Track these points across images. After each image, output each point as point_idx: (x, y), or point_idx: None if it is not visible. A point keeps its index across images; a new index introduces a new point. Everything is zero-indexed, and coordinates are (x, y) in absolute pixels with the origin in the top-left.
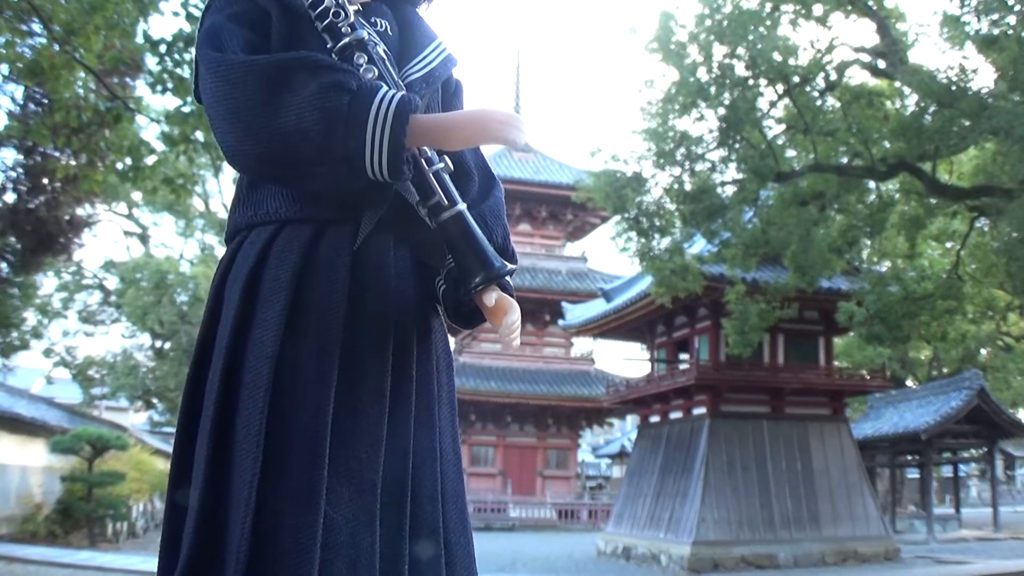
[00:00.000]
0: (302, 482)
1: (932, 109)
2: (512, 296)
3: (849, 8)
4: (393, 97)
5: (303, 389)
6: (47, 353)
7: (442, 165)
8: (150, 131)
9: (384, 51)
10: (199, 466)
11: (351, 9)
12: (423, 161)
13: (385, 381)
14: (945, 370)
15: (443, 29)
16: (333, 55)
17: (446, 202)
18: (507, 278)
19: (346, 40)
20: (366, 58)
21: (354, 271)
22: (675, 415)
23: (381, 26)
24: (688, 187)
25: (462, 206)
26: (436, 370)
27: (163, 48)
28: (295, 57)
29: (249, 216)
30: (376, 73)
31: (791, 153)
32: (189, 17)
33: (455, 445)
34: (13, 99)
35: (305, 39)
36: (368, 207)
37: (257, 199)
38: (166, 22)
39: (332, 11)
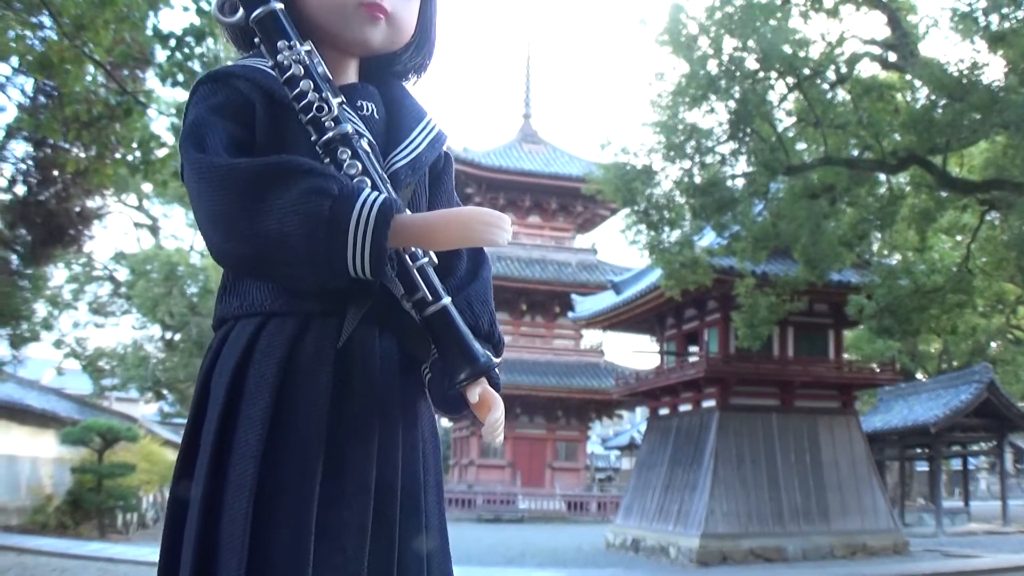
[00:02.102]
0: None
1: (943, 102)
2: (499, 387)
3: (860, 0)
4: (375, 201)
5: (287, 486)
6: (57, 344)
7: (426, 260)
8: (160, 123)
9: (369, 143)
10: (186, 562)
11: (335, 102)
12: (407, 257)
13: (370, 472)
14: (955, 363)
15: (454, 30)
16: (317, 148)
17: (430, 297)
18: (495, 365)
19: (329, 135)
20: (349, 153)
21: (339, 365)
22: (684, 407)
23: (367, 110)
24: (698, 180)
25: (446, 300)
26: (423, 456)
27: (173, 42)
28: (276, 162)
29: (235, 307)
30: (360, 168)
31: (801, 146)
32: (199, 11)
33: (442, 529)
34: (23, 92)
35: (290, 131)
36: (353, 301)
37: (243, 289)
38: (175, 16)
39: (316, 106)
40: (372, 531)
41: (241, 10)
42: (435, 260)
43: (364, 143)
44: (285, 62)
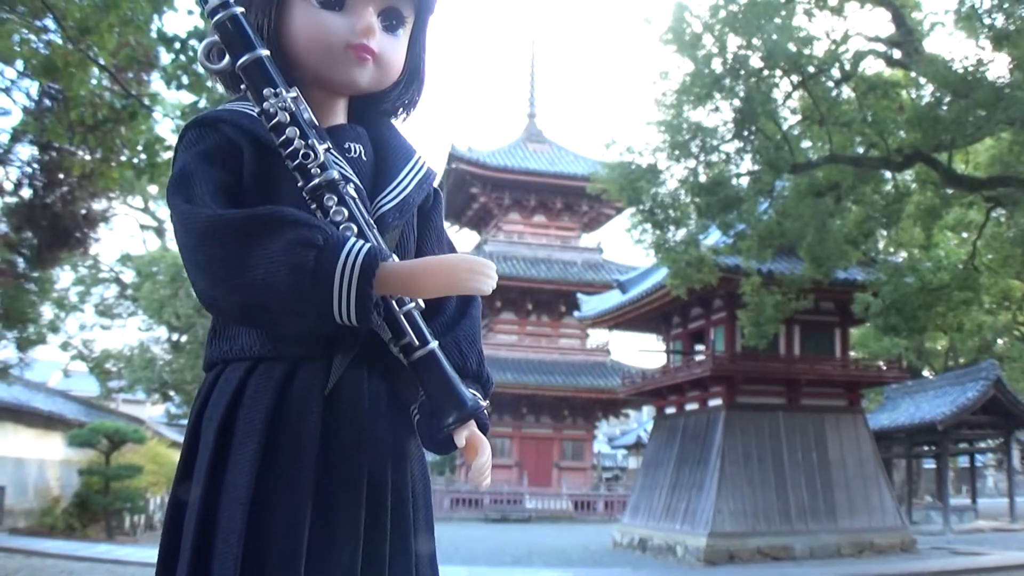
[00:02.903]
0: None
1: (948, 99)
2: (487, 428)
3: None
4: (360, 251)
5: (277, 532)
6: (64, 347)
7: (413, 305)
8: (165, 126)
9: (355, 188)
10: None
11: (321, 149)
12: (393, 303)
13: (359, 515)
14: (961, 360)
15: (460, 30)
16: (304, 194)
17: (417, 343)
18: (483, 408)
19: (316, 182)
20: (336, 199)
21: (327, 409)
22: (691, 406)
23: (355, 151)
24: (703, 179)
25: (433, 345)
26: (412, 495)
27: (177, 45)
28: (262, 213)
29: (224, 351)
30: (346, 215)
31: (806, 144)
32: (203, 14)
33: (433, 571)
34: (28, 95)
35: (277, 176)
36: (341, 346)
37: (232, 333)
38: (180, 18)
39: (302, 152)
40: (362, 573)
41: (227, 56)
42: (422, 304)
43: (351, 188)
44: (271, 109)
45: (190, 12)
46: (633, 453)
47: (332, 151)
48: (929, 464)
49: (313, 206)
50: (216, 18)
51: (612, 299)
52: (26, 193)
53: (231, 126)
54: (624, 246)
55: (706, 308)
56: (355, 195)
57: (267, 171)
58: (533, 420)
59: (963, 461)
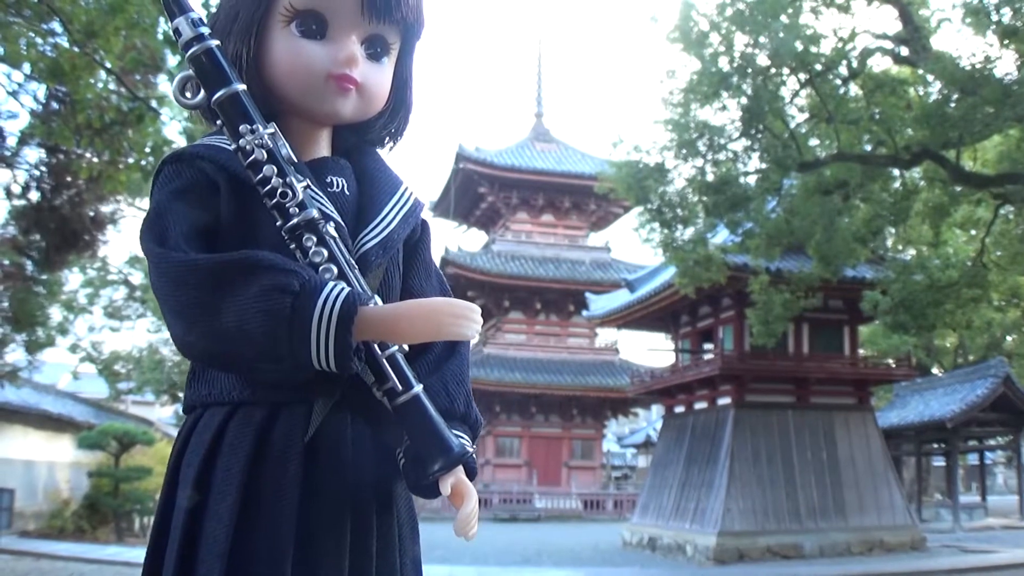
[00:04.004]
0: None
1: (955, 96)
2: (474, 473)
3: None
4: (338, 296)
5: None
6: (73, 349)
7: (396, 348)
8: (172, 128)
9: (336, 226)
10: None
11: (299, 187)
12: (375, 346)
13: (343, 561)
14: (970, 358)
15: (467, 29)
16: (283, 233)
17: (400, 387)
18: (470, 454)
19: (294, 221)
20: (315, 239)
21: (308, 455)
22: (700, 405)
23: (337, 186)
24: (710, 177)
25: (417, 389)
26: (399, 539)
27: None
28: (236, 258)
29: (203, 395)
30: (325, 255)
31: (814, 142)
32: (210, 15)
33: None
34: (36, 98)
35: (255, 213)
36: (322, 390)
37: (211, 377)
38: None
39: (279, 191)
40: None
41: (203, 91)
42: (406, 347)
43: (331, 227)
44: (247, 147)
45: None
46: (642, 452)
47: (313, 187)
48: (939, 462)
49: (292, 246)
50: (190, 52)
51: (620, 298)
52: (34, 196)
53: (208, 162)
54: (632, 245)
55: (715, 307)
56: (336, 234)
57: (245, 208)
58: (542, 419)
59: (972, 458)
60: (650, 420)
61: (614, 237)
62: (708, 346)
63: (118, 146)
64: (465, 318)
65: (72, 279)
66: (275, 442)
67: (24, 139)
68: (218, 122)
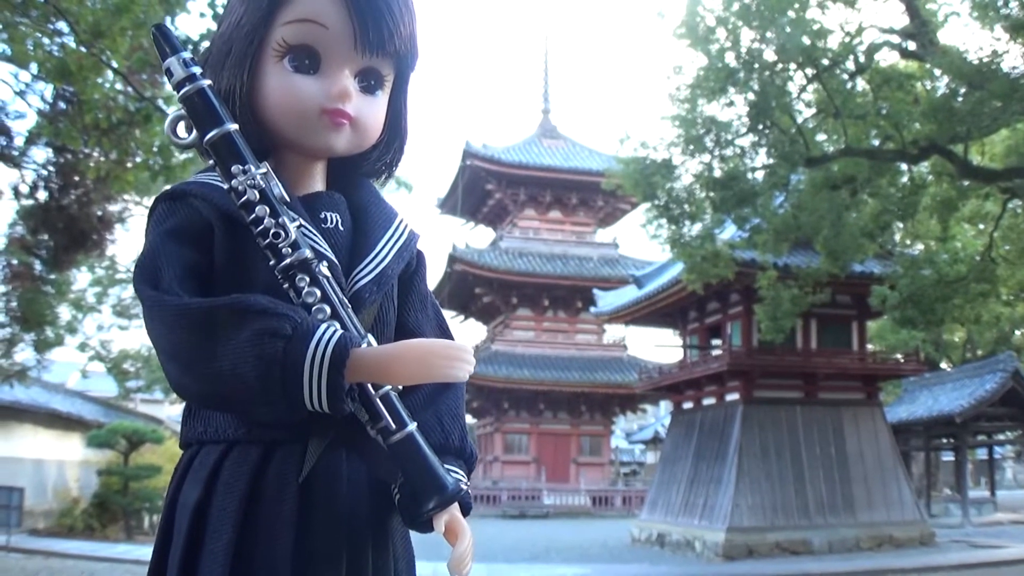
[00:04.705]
0: None
1: (963, 91)
2: (469, 509)
3: None
4: (330, 339)
5: None
6: (82, 347)
7: (389, 387)
8: None
9: (330, 265)
10: None
11: (292, 227)
12: (369, 386)
13: None
14: (979, 352)
15: (473, 26)
16: (276, 273)
17: (393, 426)
18: (465, 491)
19: (287, 261)
20: (308, 280)
21: (303, 494)
22: (708, 401)
23: (331, 221)
24: (718, 173)
25: (411, 427)
26: (395, 573)
27: (190, 47)
28: (228, 302)
29: (199, 432)
30: (318, 295)
31: (821, 137)
32: (216, 16)
33: None
34: (43, 98)
35: (248, 252)
36: (316, 429)
37: (206, 415)
38: (192, 21)
39: (272, 232)
40: None
41: (195, 131)
42: (400, 387)
43: (324, 267)
44: (240, 187)
45: (202, 15)
46: (651, 448)
47: (306, 225)
48: (947, 457)
49: (285, 286)
50: (182, 92)
51: (628, 294)
52: (42, 196)
53: (202, 200)
54: (640, 241)
55: (722, 303)
56: (329, 273)
57: (240, 247)
58: (550, 416)
59: (981, 453)
60: (658, 416)
61: (622, 233)
62: (716, 342)
63: (125, 146)
64: (458, 359)
65: (80, 278)
66: (270, 481)
67: (32, 139)
68: (211, 161)
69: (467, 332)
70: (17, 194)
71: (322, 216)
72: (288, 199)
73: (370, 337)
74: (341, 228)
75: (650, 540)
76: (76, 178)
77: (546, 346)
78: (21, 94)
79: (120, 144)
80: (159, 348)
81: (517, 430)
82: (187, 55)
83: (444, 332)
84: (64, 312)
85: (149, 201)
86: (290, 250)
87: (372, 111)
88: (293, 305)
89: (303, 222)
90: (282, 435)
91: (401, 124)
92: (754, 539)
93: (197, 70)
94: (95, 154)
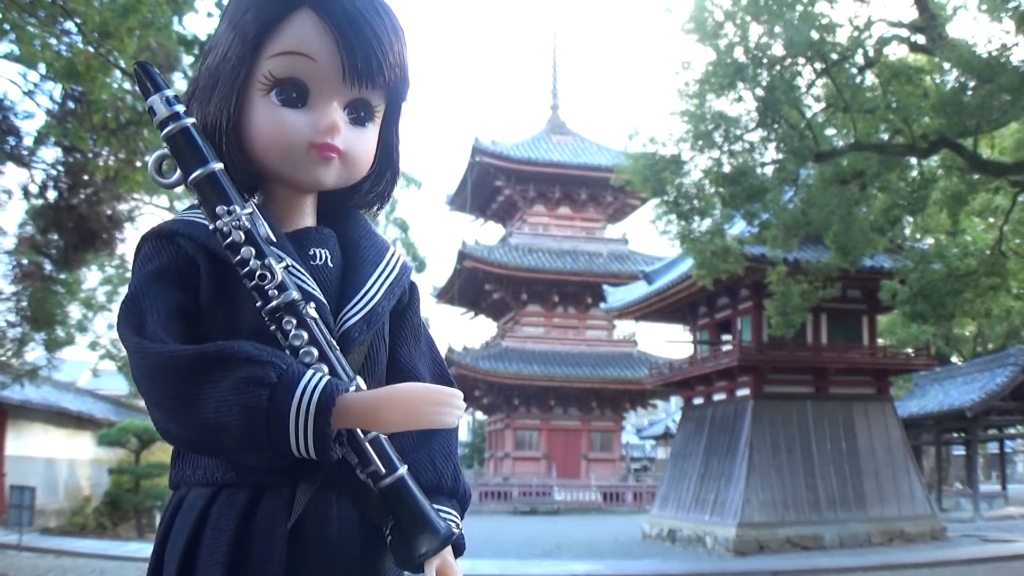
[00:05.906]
0: None
1: (972, 84)
2: (462, 550)
3: None
4: (316, 387)
5: None
6: (92, 346)
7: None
8: None
9: (318, 306)
10: None
11: (279, 268)
12: (358, 430)
13: None
14: (990, 346)
15: (481, 23)
16: (263, 315)
17: (383, 470)
18: (457, 535)
19: (274, 303)
20: (295, 322)
21: (293, 537)
22: (719, 396)
23: (320, 258)
24: (727, 168)
25: (402, 471)
26: None
27: (197, 47)
28: (212, 350)
29: (187, 475)
30: (306, 338)
31: (831, 132)
32: (223, 16)
33: None
34: (51, 98)
35: (235, 293)
36: (305, 473)
37: (194, 457)
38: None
39: (258, 274)
40: None
41: (179, 170)
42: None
43: (311, 308)
44: (225, 228)
45: (210, 15)
46: (661, 444)
47: (294, 264)
48: (958, 451)
49: (272, 327)
50: (165, 131)
51: (638, 290)
52: (51, 195)
53: (188, 239)
54: (650, 236)
55: (732, 298)
56: (316, 315)
57: (226, 287)
58: (561, 412)
59: (992, 447)
60: (669, 412)
61: (631, 229)
62: (726, 337)
63: (134, 146)
64: (447, 405)
65: (90, 277)
66: (259, 524)
67: (41, 139)
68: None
69: (477, 328)
70: (27, 194)
71: (311, 252)
72: (275, 238)
73: (359, 380)
74: (331, 264)
75: (661, 536)
76: (85, 178)
77: (556, 342)
78: (30, 94)
79: (128, 144)
80: (144, 395)
81: (528, 426)
82: (170, 93)
83: (438, 366)
84: (74, 311)
85: (159, 200)
86: (276, 292)
87: (362, 143)
88: (279, 350)
89: (291, 261)
90: (271, 478)
91: (393, 154)
92: (765, 534)
93: (180, 108)
94: (104, 154)
